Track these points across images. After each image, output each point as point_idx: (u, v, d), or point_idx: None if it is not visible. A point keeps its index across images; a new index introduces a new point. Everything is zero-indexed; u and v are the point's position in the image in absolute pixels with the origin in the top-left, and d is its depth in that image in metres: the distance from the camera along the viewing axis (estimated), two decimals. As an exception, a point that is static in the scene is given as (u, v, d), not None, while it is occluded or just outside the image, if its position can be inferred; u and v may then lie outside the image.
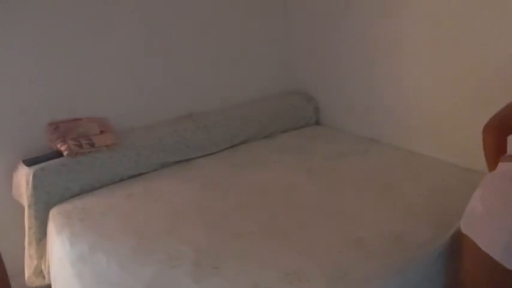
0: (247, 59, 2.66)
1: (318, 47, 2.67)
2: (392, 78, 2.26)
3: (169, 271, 1.40)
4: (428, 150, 2.17)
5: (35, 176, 1.84)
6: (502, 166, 1.19)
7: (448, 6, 1.89)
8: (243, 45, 2.61)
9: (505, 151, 1.20)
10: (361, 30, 2.35)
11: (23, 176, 1.88)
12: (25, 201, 1.88)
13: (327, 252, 1.45)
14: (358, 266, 1.37)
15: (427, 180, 1.91)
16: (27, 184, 1.85)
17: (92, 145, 1.97)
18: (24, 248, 1.94)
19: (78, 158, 1.95)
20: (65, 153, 1.91)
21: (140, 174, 2.14)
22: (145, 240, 1.58)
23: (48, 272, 1.87)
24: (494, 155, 1.23)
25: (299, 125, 2.73)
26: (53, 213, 1.85)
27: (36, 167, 1.88)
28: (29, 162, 1.90)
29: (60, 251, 1.63)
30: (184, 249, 1.50)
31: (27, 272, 1.97)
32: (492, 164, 1.23)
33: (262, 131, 2.58)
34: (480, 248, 1.13)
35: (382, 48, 2.26)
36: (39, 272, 1.97)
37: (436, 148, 2.13)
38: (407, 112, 2.24)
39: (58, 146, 1.94)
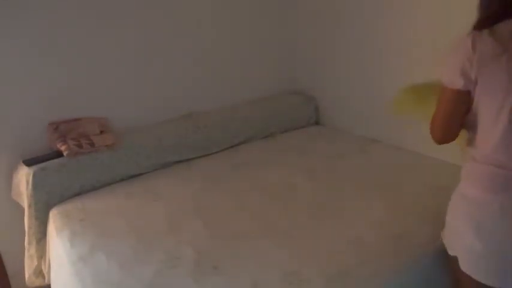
0: (247, 59, 2.66)
1: (318, 47, 2.67)
2: (393, 78, 2.26)
3: (169, 271, 1.40)
4: (428, 150, 2.17)
5: (35, 176, 1.84)
6: (473, 191, 1.17)
7: (449, 7, 1.89)
8: (243, 45, 2.61)
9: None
10: (362, 30, 2.35)
11: (23, 176, 1.88)
12: (25, 201, 1.88)
13: (327, 252, 1.45)
14: (358, 266, 1.37)
15: (427, 180, 1.91)
16: (27, 184, 1.85)
17: (92, 145, 1.97)
18: (24, 248, 1.94)
19: (78, 158, 1.95)
20: (65, 153, 1.91)
21: (140, 174, 2.14)
22: (145, 240, 1.59)
23: (48, 272, 1.87)
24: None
25: (299, 125, 2.73)
26: (53, 213, 1.85)
27: (36, 167, 1.88)
28: (29, 162, 1.90)
29: (60, 251, 1.64)
30: (184, 249, 1.50)
31: (27, 272, 1.97)
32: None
33: (262, 131, 2.58)
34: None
35: (383, 48, 2.26)
36: (39, 272, 1.97)
37: (436, 148, 2.12)
38: (407, 112, 2.24)
39: (58, 146, 1.94)
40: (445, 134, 1.23)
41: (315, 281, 1.31)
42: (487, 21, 1.08)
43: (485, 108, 1.10)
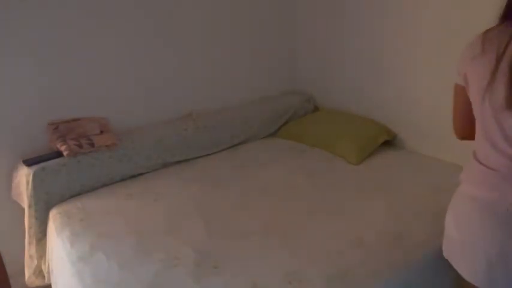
0: (247, 59, 2.66)
1: (319, 47, 2.67)
2: (392, 78, 2.26)
3: (169, 271, 1.40)
4: (428, 150, 2.17)
5: (35, 176, 1.84)
6: (465, 188, 1.16)
7: (450, 7, 1.89)
8: (243, 45, 2.61)
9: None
10: (362, 31, 2.35)
11: (23, 176, 1.88)
12: (25, 201, 1.88)
13: (327, 252, 1.45)
14: (358, 266, 1.37)
15: (427, 180, 1.91)
16: (27, 184, 1.85)
17: (92, 145, 1.97)
18: (24, 248, 1.94)
19: (78, 158, 1.95)
20: (65, 153, 1.91)
21: (140, 174, 2.14)
22: (145, 240, 1.59)
23: (48, 272, 1.87)
24: None
25: (299, 125, 2.72)
26: (53, 213, 1.85)
27: (36, 167, 1.87)
28: (29, 162, 1.90)
29: (60, 251, 1.64)
30: (184, 249, 1.50)
31: (27, 272, 1.97)
32: None
33: (262, 131, 2.59)
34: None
35: (383, 48, 2.26)
36: (39, 272, 1.97)
37: (436, 148, 2.13)
38: (407, 112, 2.24)
39: (58, 146, 1.94)
40: (455, 127, 1.25)
41: (315, 281, 1.31)
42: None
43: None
